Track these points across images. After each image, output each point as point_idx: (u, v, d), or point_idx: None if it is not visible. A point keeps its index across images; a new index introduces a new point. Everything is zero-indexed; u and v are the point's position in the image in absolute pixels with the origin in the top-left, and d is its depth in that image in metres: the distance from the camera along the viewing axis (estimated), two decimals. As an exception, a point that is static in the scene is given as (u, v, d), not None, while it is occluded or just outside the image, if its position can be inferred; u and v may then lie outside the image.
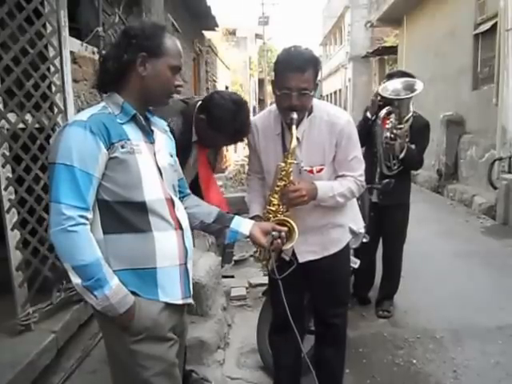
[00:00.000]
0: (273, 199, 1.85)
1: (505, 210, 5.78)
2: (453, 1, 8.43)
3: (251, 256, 4.50)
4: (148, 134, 1.46)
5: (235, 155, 12.83)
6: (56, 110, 2.58)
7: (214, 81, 11.43)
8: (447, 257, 4.59)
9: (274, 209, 1.84)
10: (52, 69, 2.53)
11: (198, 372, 2.41)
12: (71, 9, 2.82)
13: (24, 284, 2.32)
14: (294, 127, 1.77)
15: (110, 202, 1.36)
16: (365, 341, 2.98)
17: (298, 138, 1.83)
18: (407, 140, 3.07)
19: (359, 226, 2.65)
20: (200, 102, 2.02)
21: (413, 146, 3.11)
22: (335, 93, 26.36)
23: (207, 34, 10.60)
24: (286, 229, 1.70)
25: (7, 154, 2.22)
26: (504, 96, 6.28)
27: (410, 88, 3.00)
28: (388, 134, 3.05)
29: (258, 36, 28.56)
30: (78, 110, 2.81)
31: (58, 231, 1.27)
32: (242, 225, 1.64)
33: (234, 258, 4.53)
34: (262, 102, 28.94)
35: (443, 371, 2.64)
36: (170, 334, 1.48)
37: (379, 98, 3.12)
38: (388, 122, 3.10)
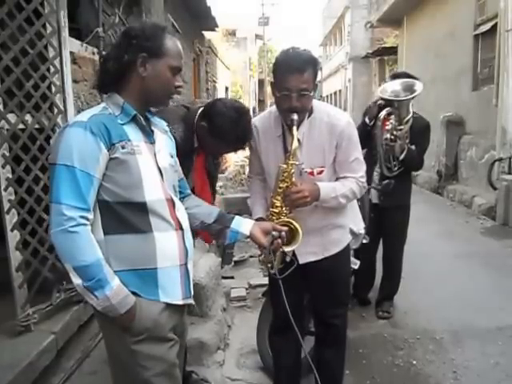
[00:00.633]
0: (275, 201, 1.84)
1: (505, 210, 5.78)
2: (453, 1, 8.43)
3: (251, 257, 4.50)
4: (148, 135, 1.46)
5: (235, 156, 12.82)
6: (56, 110, 2.58)
7: (214, 81, 11.43)
8: (447, 257, 4.59)
9: (276, 211, 1.83)
10: (52, 69, 2.53)
11: (197, 373, 2.41)
12: (71, 9, 2.82)
13: (24, 285, 2.32)
14: (294, 128, 1.77)
15: (110, 202, 1.36)
16: (365, 342, 2.98)
17: (298, 140, 1.82)
18: (407, 141, 3.07)
19: (359, 226, 2.66)
20: (202, 109, 2.00)
21: (413, 147, 3.10)
22: (335, 93, 26.36)
23: (207, 34, 10.62)
24: (286, 228, 1.69)
25: (7, 154, 2.22)
26: (504, 97, 6.28)
27: (410, 89, 3.00)
28: (388, 136, 3.05)
29: (258, 36, 28.63)
30: (78, 110, 2.81)
31: (59, 232, 1.27)
32: (243, 225, 1.64)
33: (234, 258, 4.53)
34: (261, 103, 29.00)
35: (443, 372, 2.64)
36: (171, 334, 1.48)
37: (380, 100, 3.12)
38: (388, 123, 3.10)
